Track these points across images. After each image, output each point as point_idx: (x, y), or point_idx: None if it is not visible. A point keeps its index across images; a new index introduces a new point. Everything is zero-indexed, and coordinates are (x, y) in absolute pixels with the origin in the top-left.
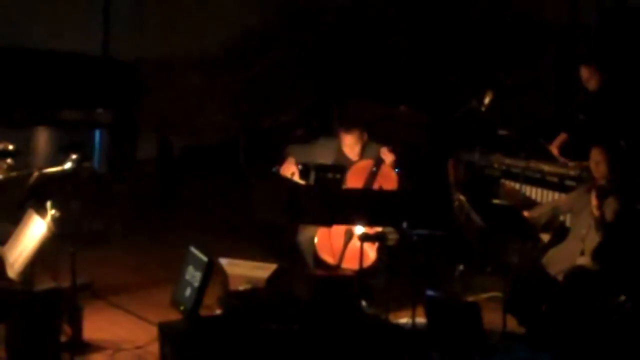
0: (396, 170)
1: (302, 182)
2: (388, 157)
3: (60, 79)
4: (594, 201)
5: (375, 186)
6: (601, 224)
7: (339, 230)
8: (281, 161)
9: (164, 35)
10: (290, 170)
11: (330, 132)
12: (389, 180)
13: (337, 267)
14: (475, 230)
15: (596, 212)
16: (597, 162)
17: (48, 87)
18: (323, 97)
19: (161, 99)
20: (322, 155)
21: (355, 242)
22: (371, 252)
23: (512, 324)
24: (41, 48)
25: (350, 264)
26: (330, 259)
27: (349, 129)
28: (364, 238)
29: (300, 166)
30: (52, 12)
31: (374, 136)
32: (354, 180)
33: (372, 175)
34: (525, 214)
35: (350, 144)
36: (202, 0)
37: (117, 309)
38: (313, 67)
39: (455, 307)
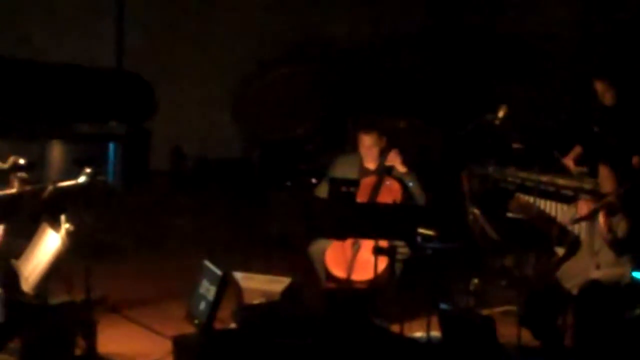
0: (407, 174)
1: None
2: (396, 160)
3: (73, 92)
4: (602, 219)
5: (380, 199)
6: (612, 242)
7: (346, 242)
8: (300, 183)
9: (177, 47)
10: None
11: (344, 146)
12: (392, 192)
13: (348, 279)
14: (489, 243)
15: (605, 232)
16: (605, 179)
17: (62, 101)
18: (337, 111)
19: (175, 112)
20: (345, 171)
21: (363, 254)
22: (380, 263)
23: (527, 337)
24: (54, 61)
25: (359, 276)
26: (340, 273)
27: (368, 130)
28: (376, 251)
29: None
30: (65, 24)
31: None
32: (360, 197)
33: (376, 189)
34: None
35: (368, 146)
36: (217, 13)
37: (132, 323)
38: (327, 81)
39: (470, 320)
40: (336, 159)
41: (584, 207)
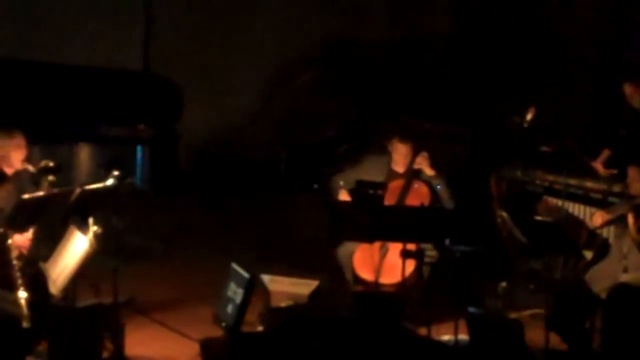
0: (435, 177)
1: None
2: (423, 163)
3: (102, 95)
4: (631, 222)
5: (408, 202)
6: None
7: (374, 245)
8: (327, 185)
9: (205, 50)
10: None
11: (374, 148)
12: (420, 195)
13: (376, 282)
14: (517, 246)
15: (634, 235)
16: (633, 181)
17: (90, 104)
18: (365, 113)
19: (203, 114)
20: (372, 173)
21: (391, 257)
22: (408, 266)
23: (555, 341)
24: (83, 64)
25: (387, 279)
26: (367, 276)
27: (404, 139)
28: (404, 254)
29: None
30: (93, 27)
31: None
32: (388, 200)
33: (404, 192)
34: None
35: (404, 154)
36: (245, 16)
37: (159, 325)
38: (356, 84)
39: (498, 324)
40: (364, 158)
41: (598, 218)
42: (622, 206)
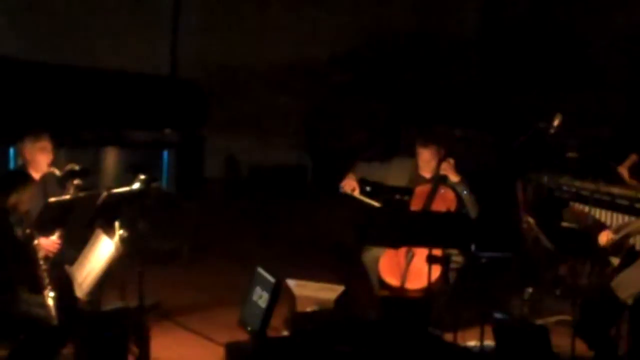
0: (460, 184)
1: (368, 200)
2: (449, 169)
3: (129, 99)
4: None
5: (434, 208)
6: None
7: (400, 250)
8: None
9: (233, 54)
10: (351, 186)
11: (403, 153)
12: (446, 201)
13: (401, 288)
14: (543, 253)
15: None
16: None
17: (117, 108)
18: (392, 118)
19: (229, 119)
20: (397, 175)
21: (417, 262)
22: (434, 272)
23: (581, 347)
24: (109, 68)
25: (412, 284)
26: (393, 281)
27: (426, 143)
28: (430, 260)
29: (368, 188)
30: (120, 32)
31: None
32: (414, 205)
33: (430, 198)
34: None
35: (427, 159)
36: (273, 20)
37: (185, 329)
38: (383, 89)
39: (524, 330)
40: (392, 159)
41: (603, 237)
42: (629, 227)
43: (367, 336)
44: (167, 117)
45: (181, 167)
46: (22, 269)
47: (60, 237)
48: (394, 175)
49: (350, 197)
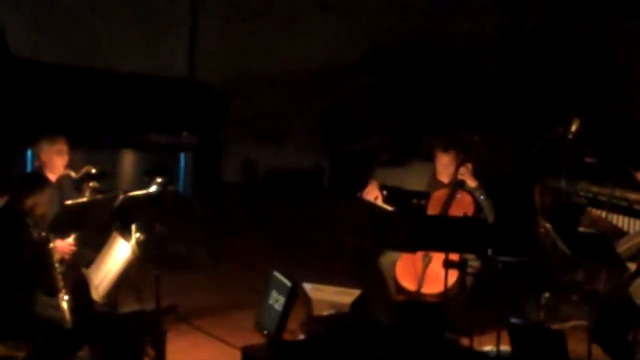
0: (477, 189)
1: (388, 207)
2: (466, 174)
3: (146, 102)
4: None
5: (451, 213)
6: None
7: (417, 255)
8: (365, 184)
9: (251, 58)
10: (374, 194)
11: (418, 156)
12: (464, 205)
13: (418, 292)
14: (561, 257)
15: None
16: None
17: (134, 111)
18: (411, 122)
19: (247, 122)
20: (415, 179)
21: (433, 267)
22: (451, 277)
23: (598, 352)
24: (128, 71)
25: (429, 289)
26: (410, 286)
27: (446, 149)
28: (447, 264)
29: (385, 192)
30: (138, 35)
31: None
32: (431, 209)
33: (448, 203)
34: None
35: (445, 164)
36: (291, 24)
37: (201, 333)
38: (401, 93)
39: (541, 335)
40: (410, 164)
41: (623, 244)
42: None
43: (383, 340)
44: (185, 120)
45: (198, 170)
46: (38, 271)
47: (76, 239)
48: (413, 180)
49: (368, 203)
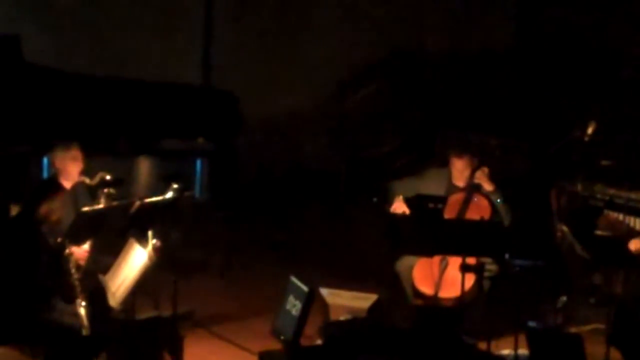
0: (494, 192)
1: None
2: (482, 178)
3: (161, 108)
4: None
5: (468, 216)
6: None
7: (434, 259)
8: (387, 198)
9: (264, 63)
10: (402, 210)
11: (436, 161)
12: (480, 209)
13: (435, 296)
14: (578, 261)
15: None
16: None
17: (150, 117)
18: (426, 127)
19: (262, 128)
20: (433, 186)
21: (450, 271)
22: (468, 281)
23: (615, 356)
24: (142, 78)
25: (446, 293)
26: (427, 290)
27: (460, 154)
28: (464, 268)
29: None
30: (153, 41)
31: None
32: (448, 213)
33: (464, 206)
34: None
35: (460, 169)
36: (304, 28)
37: (218, 338)
38: (416, 97)
39: (558, 338)
40: (426, 171)
41: (633, 245)
42: None
43: (400, 345)
44: (201, 126)
45: (214, 176)
46: (55, 278)
47: (92, 245)
48: (431, 187)
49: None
